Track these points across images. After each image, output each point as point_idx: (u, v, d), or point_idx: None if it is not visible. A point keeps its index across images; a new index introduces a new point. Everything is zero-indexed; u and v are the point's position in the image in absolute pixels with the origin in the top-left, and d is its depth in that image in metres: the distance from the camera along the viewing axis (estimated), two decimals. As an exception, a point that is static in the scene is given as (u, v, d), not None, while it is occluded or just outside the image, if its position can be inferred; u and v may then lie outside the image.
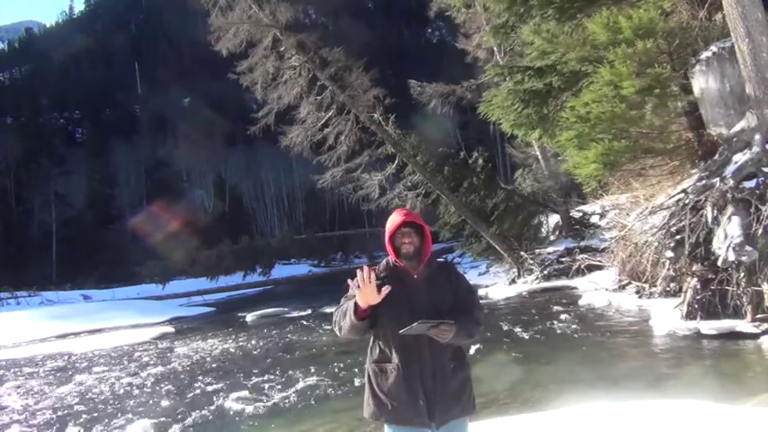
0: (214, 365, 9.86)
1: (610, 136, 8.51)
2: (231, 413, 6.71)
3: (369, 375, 2.67)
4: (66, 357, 12.32)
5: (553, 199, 19.14)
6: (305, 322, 14.16)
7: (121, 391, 8.46)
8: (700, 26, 8.94)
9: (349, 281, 2.50)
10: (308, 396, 7.05)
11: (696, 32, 8.90)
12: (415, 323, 2.39)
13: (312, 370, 8.28)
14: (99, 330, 16.51)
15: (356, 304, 2.49)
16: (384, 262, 2.73)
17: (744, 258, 6.75)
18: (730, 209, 7.16)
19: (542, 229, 19.16)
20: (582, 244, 15.59)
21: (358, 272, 2.43)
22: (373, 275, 2.43)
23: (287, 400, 6.99)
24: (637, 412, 4.41)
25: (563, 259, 15.18)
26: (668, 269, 8.88)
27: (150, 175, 49.21)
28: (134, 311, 19.51)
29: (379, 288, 2.42)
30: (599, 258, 13.19)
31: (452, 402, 2.58)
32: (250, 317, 16.46)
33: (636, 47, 7.96)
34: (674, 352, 7.08)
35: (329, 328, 12.84)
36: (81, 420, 7.03)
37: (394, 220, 2.66)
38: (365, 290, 2.42)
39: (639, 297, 10.23)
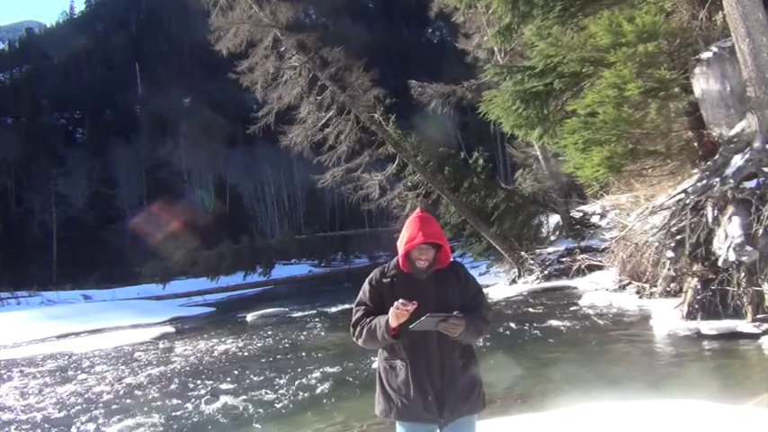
0: (214, 365, 9.86)
1: (613, 138, 8.50)
2: (232, 413, 6.71)
3: (379, 373, 2.69)
4: (66, 357, 12.31)
5: (553, 199, 19.13)
6: (305, 322, 14.17)
7: (122, 391, 8.45)
8: (700, 26, 8.93)
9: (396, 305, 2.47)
10: (308, 396, 7.05)
11: (696, 33, 8.89)
12: (424, 317, 2.40)
13: (313, 370, 8.28)
14: (99, 330, 16.50)
15: (387, 323, 2.50)
16: (394, 261, 2.72)
17: (744, 258, 6.76)
18: (731, 209, 7.17)
19: (543, 230, 19.15)
20: (582, 244, 15.57)
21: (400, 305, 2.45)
22: (412, 307, 2.44)
23: (288, 401, 6.99)
24: (637, 412, 4.41)
25: (563, 259, 15.16)
26: (669, 269, 8.86)
27: (150, 175, 49.08)
28: (134, 311, 19.50)
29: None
30: (599, 258, 13.16)
31: (462, 400, 2.60)
32: (250, 317, 16.45)
33: (637, 49, 7.96)
34: (675, 352, 7.08)
35: (330, 327, 12.84)
36: (81, 420, 7.03)
37: (414, 234, 2.62)
38: (400, 314, 2.45)
39: (640, 297, 10.20)
